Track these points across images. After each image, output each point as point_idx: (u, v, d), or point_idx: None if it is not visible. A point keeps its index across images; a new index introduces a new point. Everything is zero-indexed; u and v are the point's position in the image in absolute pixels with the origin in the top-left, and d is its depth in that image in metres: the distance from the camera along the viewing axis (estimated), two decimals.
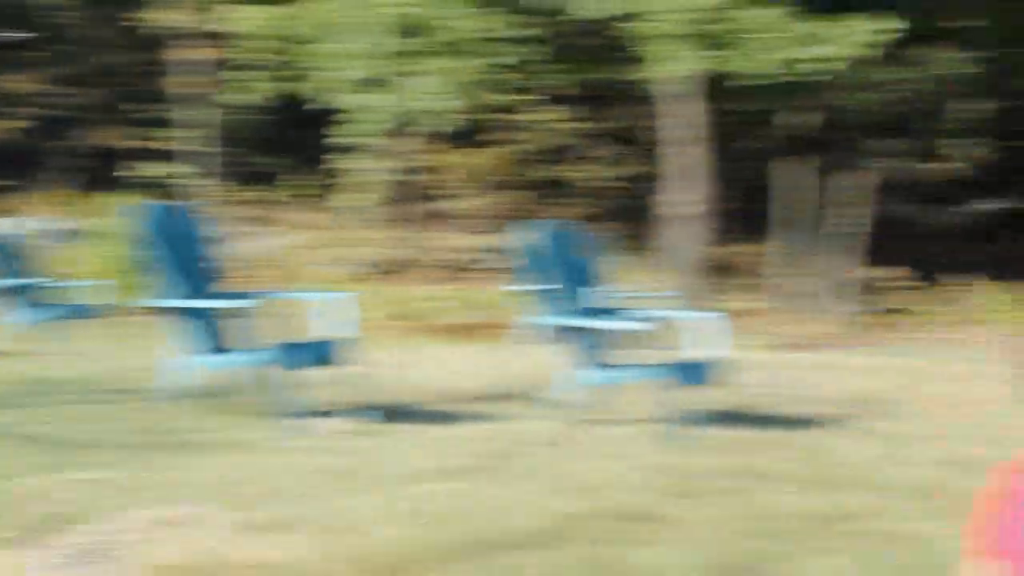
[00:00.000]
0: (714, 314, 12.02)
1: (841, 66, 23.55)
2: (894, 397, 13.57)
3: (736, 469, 8.68)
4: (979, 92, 35.80)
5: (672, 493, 7.91)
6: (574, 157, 37.37)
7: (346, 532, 6.40)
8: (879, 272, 32.20)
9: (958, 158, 32.99)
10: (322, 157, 34.82)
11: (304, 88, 28.57)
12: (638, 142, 36.77)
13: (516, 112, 34.09)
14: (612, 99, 36.27)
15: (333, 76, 26.89)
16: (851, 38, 23.18)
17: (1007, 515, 3.21)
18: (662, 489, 7.93)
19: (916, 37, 29.20)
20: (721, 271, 32.17)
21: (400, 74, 27.27)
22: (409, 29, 26.16)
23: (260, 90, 29.36)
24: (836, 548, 7.21)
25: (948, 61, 31.26)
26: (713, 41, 23.65)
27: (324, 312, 10.26)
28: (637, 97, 34.83)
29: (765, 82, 24.43)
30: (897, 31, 23.50)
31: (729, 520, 7.42)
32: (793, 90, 27.15)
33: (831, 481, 8.81)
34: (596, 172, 37.13)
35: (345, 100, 27.83)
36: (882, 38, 23.18)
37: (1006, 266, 31.95)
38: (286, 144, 35.60)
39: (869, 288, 31.41)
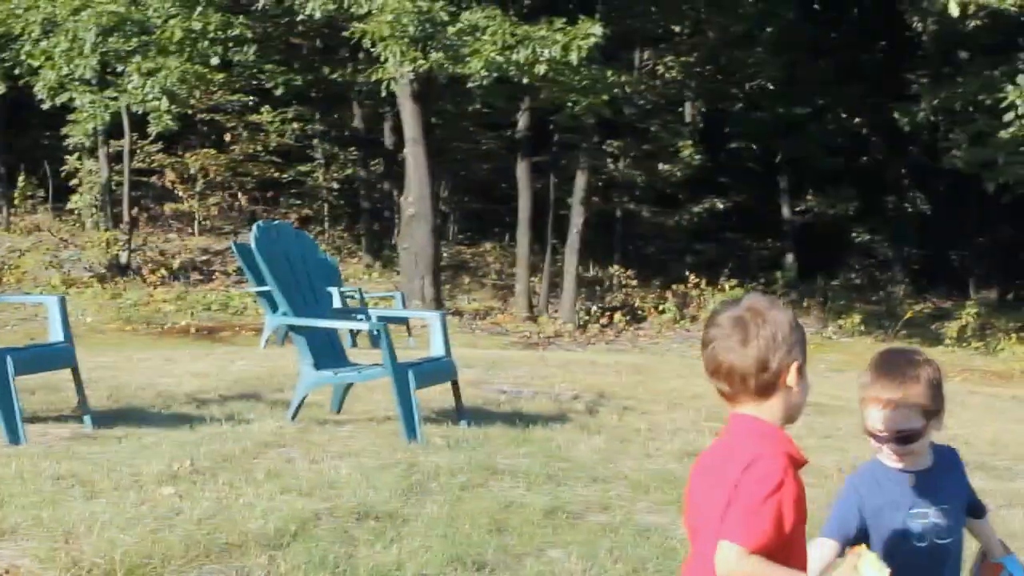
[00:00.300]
0: (442, 313, 12.12)
1: (551, 68, 24.06)
2: (624, 393, 13.88)
3: (470, 466, 8.75)
4: (691, 96, 37.11)
5: (408, 491, 7.94)
6: (302, 158, 37.20)
7: (75, 538, 6.22)
8: (607, 270, 32.98)
9: (677, 160, 34.03)
10: (43, 159, 33.88)
11: (26, 85, 27.75)
12: (366, 143, 36.82)
13: (242, 113, 33.76)
14: (339, 99, 36.24)
15: (52, 74, 26.14)
16: (559, 41, 23.70)
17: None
18: (398, 487, 7.94)
19: (625, 42, 30.11)
20: (455, 271, 32.46)
21: (118, 73, 26.74)
22: (125, 26, 25.63)
23: None
24: (565, 541, 7.35)
25: (660, 65, 32.31)
26: (427, 43, 23.88)
27: (49, 315, 9.92)
28: (363, 97, 34.91)
29: (480, 83, 24.80)
30: (602, 35, 24.14)
31: (464, 516, 7.48)
32: (512, 91, 27.64)
33: (562, 476, 8.96)
34: (324, 173, 37.03)
35: (64, 99, 27.11)
36: (590, 41, 23.77)
37: (723, 263, 33.12)
38: (5, 144, 34.46)
39: (598, 286, 32.15)
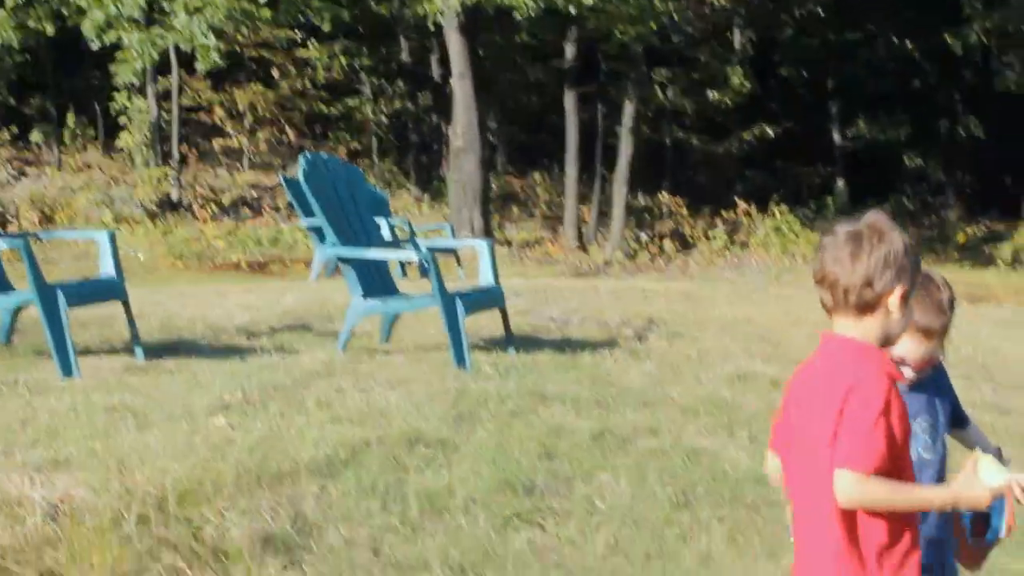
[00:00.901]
0: (490, 241, 12.10)
1: None
2: (673, 319, 13.85)
3: (519, 392, 8.76)
4: (740, 23, 36.73)
5: (457, 418, 7.96)
6: (349, 92, 37.14)
7: (127, 468, 6.28)
8: (656, 199, 32.85)
9: (726, 88, 33.75)
10: (92, 99, 34.02)
11: (74, 25, 27.83)
12: (413, 76, 36.73)
13: (289, 48, 33.73)
14: (386, 33, 36.15)
15: (100, 14, 26.19)
16: None
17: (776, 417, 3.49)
18: (447, 415, 7.96)
19: None
20: (506, 202, 32.42)
21: (164, 11, 26.74)
22: None
23: (28, 29, 28.52)
24: (614, 465, 7.37)
25: None
26: None
27: (100, 249, 9.96)
28: (410, 31, 34.79)
29: (527, 14, 24.64)
30: None
31: (513, 442, 7.50)
32: (560, 22, 27.47)
33: (611, 401, 8.96)
34: (372, 107, 36.98)
35: (112, 38, 27.17)
36: None
37: (773, 190, 32.88)
38: (55, 85, 34.59)
39: (647, 215, 32.04)
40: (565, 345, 11.05)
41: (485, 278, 11.00)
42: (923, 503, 3.33)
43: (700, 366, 10.76)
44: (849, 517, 3.21)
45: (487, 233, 25.56)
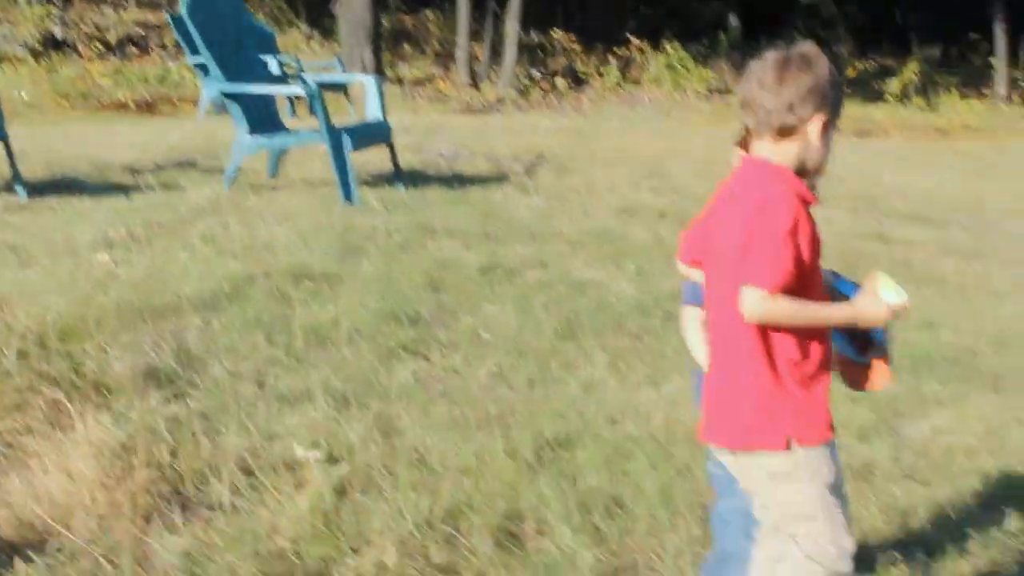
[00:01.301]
0: (377, 76, 11.98)
1: None
2: (563, 154, 13.87)
3: (407, 226, 8.76)
4: None
5: (344, 252, 7.95)
6: None
7: (7, 304, 6.20)
8: (549, 36, 32.62)
9: None
10: None
11: None
12: None
13: None
14: None
15: None
16: None
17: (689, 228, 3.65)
18: (334, 249, 7.95)
19: None
20: (397, 40, 32.01)
21: None
22: None
23: None
24: (501, 296, 7.42)
25: None
26: None
27: None
28: None
29: None
30: None
31: (400, 275, 7.52)
32: None
33: (500, 235, 9.00)
34: None
35: None
36: None
37: (665, 28, 32.76)
38: None
39: (541, 52, 31.83)
40: (454, 180, 11.04)
41: (373, 113, 10.92)
42: (825, 320, 3.37)
43: (588, 199, 10.82)
44: (764, 330, 3.27)
45: (378, 71, 25.25)
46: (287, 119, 12.17)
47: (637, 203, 10.76)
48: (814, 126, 3.32)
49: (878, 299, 3.35)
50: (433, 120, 17.92)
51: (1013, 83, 28.94)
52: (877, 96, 28.01)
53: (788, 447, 3.29)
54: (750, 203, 3.27)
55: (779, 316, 3.24)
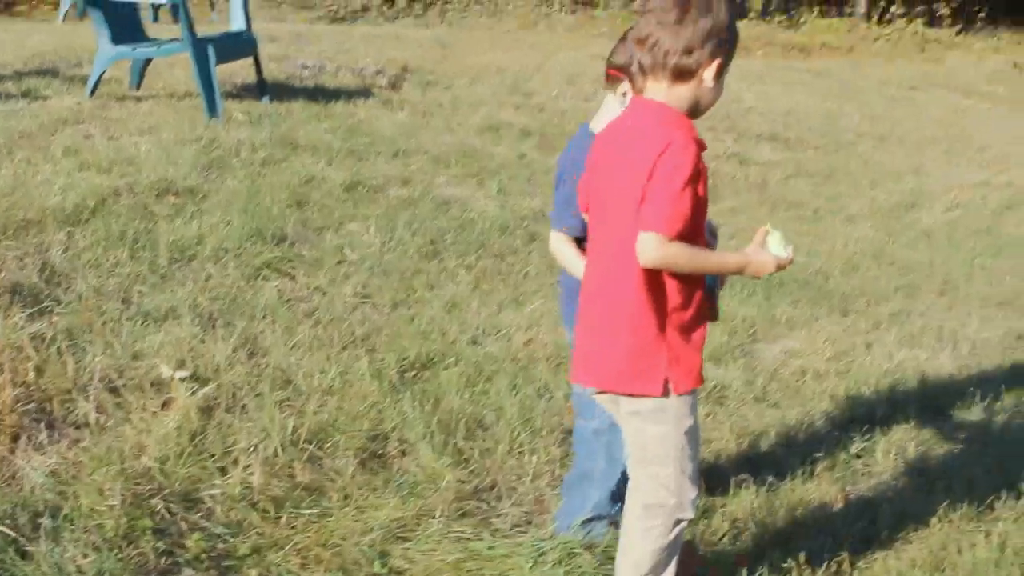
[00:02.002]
0: None
1: None
2: (428, 67, 13.85)
3: (272, 141, 8.73)
4: None
5: (208, 167, 7.92)
6: None
7: None
8: None
9: None
10: None
11: None
12: None
13: None
14: None
15: None
16: None
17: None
18: (198, 163, 7.90)
19: None
20: None
21: None
22: None
23: None
24: (365, 214, 7.47)
25: None
26: None
27: None
28: None
29: None
30: None
31: (265, 191, 7.52)
32: None
33: (364, 151, 9.01)
34: None
35: None
36: None
37: None
38: None
39: None
40: (319, 93, 10.98)
41: (236, 23, 10.80)
42: (719, 267, 3.46)
43: (452, 115, 10.86)
44: (650, 276, 3.31)
45: None
46: (151, 26, 11.97)
47: (501, 120, 10.82)
48: (710, 70, 3.31)
49: (766, 251, 3.44)
50: (298, 29, 17.72)
51: (872, 2, 29.30)
52: (740, 12, 28.23)
53: (665, 393, 3.38)
54: (651, 150, 3.24)
55: (677, 261, 3.27)
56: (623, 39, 3.89)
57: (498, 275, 6.80)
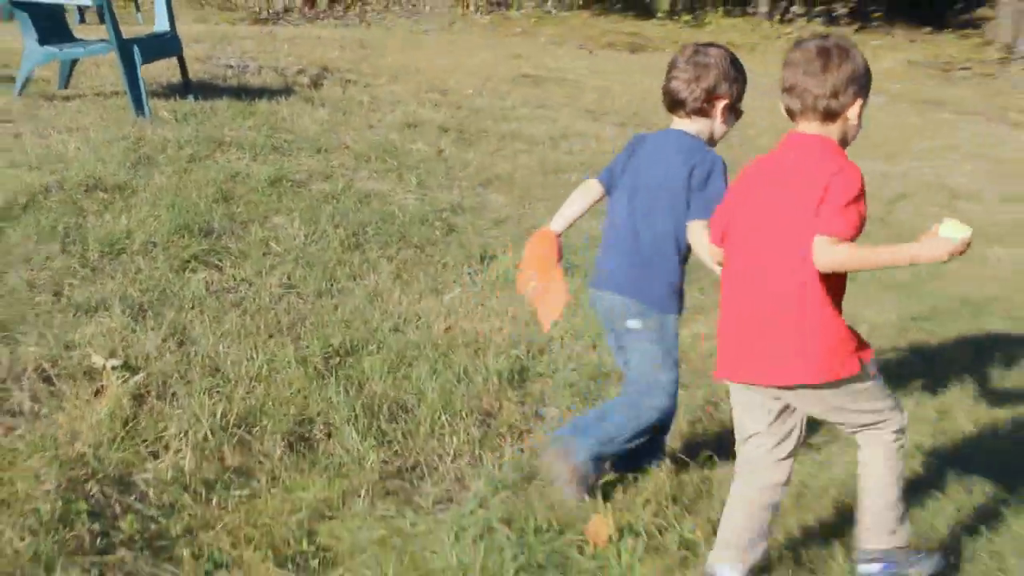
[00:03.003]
0: None
1: None
2: (348, 67, 13.81)
3: (197, 138, 8.69)
4: None
5: (136, 163, 7.87)
6: None
7: None
8: None
9: None
10: None
11: None
12: None
13: None
14: None
15: None
16: None
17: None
18: (126, 160, 7.85)
19: None
20: None
21: None
22: None
23: None
24: (289, 208, 7.47)
25: None
26: None
27: None
28: None
29: None
30: None
31: (191, 186, 7.50)
32: None
33: (287, 147, 8.99)
34: None
35: None
36: None
37: None
38: None
39: None
40: (243, 92, 10.93)
41: (161, 24, 10.73)
42: (892, 261, 3.72)
43: (372, 113, 10.86)
44: (825, 278, 3.60)
45: None
46: (77, 27, 11.84)
47: (419, 117, 10.84)
48: (854, 109, 3.71)
49: (939, 239, 3.61)
50: (222, 30, 17.58)
51: (774, 2, 29.55)
52: (648, 12, 28.37)
53: (862, 369, 3.72)
54: (825, 170, 3.59)
55: (853, 260, 3.58)
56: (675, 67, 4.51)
57: (418, 265, 6.83)
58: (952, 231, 3.61)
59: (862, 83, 3.73)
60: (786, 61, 3.80)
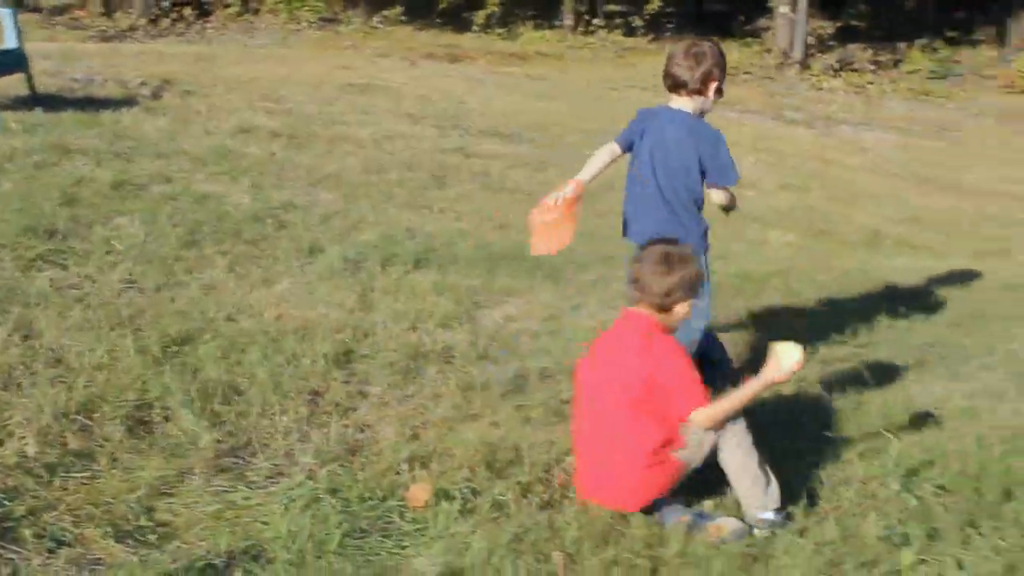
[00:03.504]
0: (13, 8, 11.33)
1: None
2: (187, 79, 13.53)
3: (44, 147, 8.42)
4: None
5: None
6: None
7: None
8: None
9: None
10: None
11: None
12: None
13: None
14: None
15: None
16: None
17: None
18: None
19: None
20: None
21: None
22: None
23: None
24: (131, 209, 7.27)
25: None
26: None
27: None
28: None
29: None
30: None
31: (38, 191, 7.26)
32: None
33: (129, 153, 8.78)
34: None
35: None
36: None
37: None
38: None
39: None
40: (88, 104, 10.63)
41: (9, 41, 10.39)
42: (752, 397, 4.12)
43: (209, 120, 10.65)
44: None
45: (16, 2, 23.83)
46: None
47: (253, 123, 10.66)
48: (684, 306, 4.20)
49: (779, 367, 4.04)
50: (70, 47, 17.07)
51: (579, 16, 29.76)
52: (465, 26, 28.35)
53: None
54: (652, 353, 4.07)
55: (723, 413, 4.05)
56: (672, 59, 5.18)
57: (251, 259, 6.70)
58: (786, 355, 4.03)
59: (695, 284, 4.20)
60: (635, 259, 4.26)
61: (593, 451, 4.18)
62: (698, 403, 4.03)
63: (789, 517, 4.20)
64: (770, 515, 4.13)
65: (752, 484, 4.15)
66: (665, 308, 4.18)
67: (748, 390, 4.09)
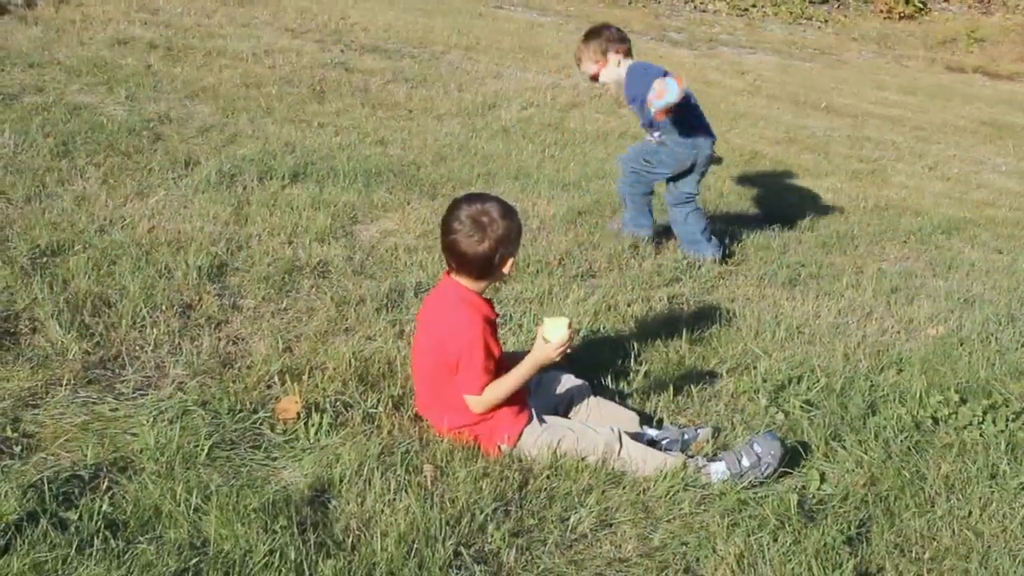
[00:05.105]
0: None
1: None
2: None
3: None
4: None
5: None
6: None
7: None
8: None
9: None
10: None
11: None
12: None
13: None
14: None
15: None
16: None
17: None
18: None
19: None
20: None
21: None
22: None
23: None
24: (2, 120, 7.06)
25: None
26: None
27: None
28: None
29: None
30: None
31: None
32: None
33: (1, 64, 8.51)
34: None
35: None
36: None
37: None
38: None
39: None
40: None
41: None
42: (523, 380, 3.98)
43: (84, 31, 10.33)
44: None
45: None
46: None
47: (129, 35, 10.37)
48: (507, 266, 3.99)
49: (546, 345, 3.88)
50: None
51: None
52: None
53: None
54: (452, 331, 3.93)
55: (495, 399, 3.96)
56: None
57: (125, 172, 6.55)
58: (552, 332, 3.88)
59: (514, 242, 3.96)
60: (445, 227, 3.99)
61: (422, 390, 4.18)
62: (470, 390, 3.95)
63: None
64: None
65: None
66: (485, 273, 4.00)
67: (518, 374, 3.98)
